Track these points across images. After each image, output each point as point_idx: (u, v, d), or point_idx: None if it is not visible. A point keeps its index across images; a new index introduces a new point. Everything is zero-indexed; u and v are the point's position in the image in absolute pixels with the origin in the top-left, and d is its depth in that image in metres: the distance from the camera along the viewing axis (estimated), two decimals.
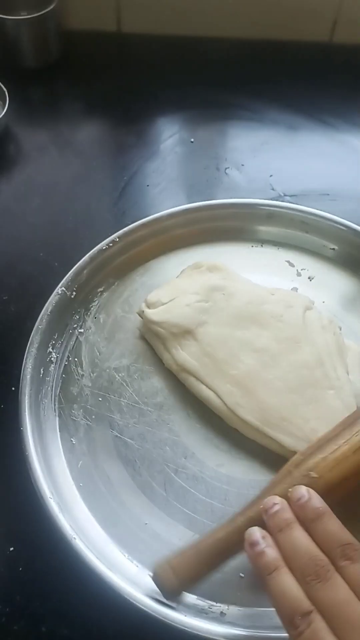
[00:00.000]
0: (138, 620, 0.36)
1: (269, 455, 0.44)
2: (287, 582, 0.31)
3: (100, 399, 0.46)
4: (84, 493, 0.42)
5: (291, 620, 0.30)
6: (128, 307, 0.51)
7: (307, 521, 0.34)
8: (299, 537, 0.33)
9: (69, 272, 0.51)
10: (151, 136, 0.68)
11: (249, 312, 0.47)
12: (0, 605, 0.39)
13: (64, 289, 0.50)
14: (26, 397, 0.44)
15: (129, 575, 0.38)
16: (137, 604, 0.36)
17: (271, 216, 0.56)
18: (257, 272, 0.53)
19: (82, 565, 0.37)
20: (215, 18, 0.77)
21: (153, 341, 0.48)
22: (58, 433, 0.45)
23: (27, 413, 0.43)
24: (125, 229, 0.54)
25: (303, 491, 0.35)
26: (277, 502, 0.35)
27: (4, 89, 0.66)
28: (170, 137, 0.68)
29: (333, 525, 0.33)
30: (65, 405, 0.46)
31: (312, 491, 0.35)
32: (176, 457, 0.43)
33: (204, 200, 0.57)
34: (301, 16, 0.76)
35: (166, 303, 0.48)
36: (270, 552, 0.33)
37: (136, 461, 0.43)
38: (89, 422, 0.45)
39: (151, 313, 0.47)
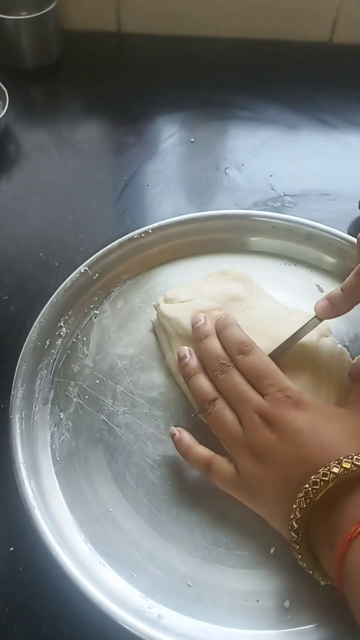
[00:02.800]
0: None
1: None
2: (200, 381, 0.42)
3: (97, 382, 0.46)
4: (59, 467, 0.42)
5: (203, 406, 0.41)
6: (148, 299, 0.51)
7: (218, 332, 0.44)
8: (212, 343, 0.43)
9: (96, 254, 0.51)
10: (151, 136, 0.68)
11: (262, 327, 0.46)
12: (0, 605, 0.39)
13: (87, 269, 0.50)
14: (25, 362, 0.45)
15: (79, 557, 0.38)
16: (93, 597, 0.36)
17: (310, 237, 0.54)
18: (284, 291, 0.51)
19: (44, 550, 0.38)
20: (215, 18, 0.77)
21: (160, 336, 0.48)
22: (49, 405, 0.45)
23: (21, 378, 0.44)
24: (161, 222, 0.53)
25: (220, 313, 0.45)
26: (201, 318, 0.45)
27: (4, 89, 0.66)
28: (170, 137, 0.68)
29: (233, 330, 0.43)
30: (62, 380, 0.46)
31: (227, 314, 0.45)
32: (155, 454, 0.43)
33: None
34: (301, 16, 0.76)
35: (183, 302, 0.48)
36: (192, 362, 0.43)
37: (116, 449, 0.43)
38: (80, 401, 0.45)
39: (165, 307, 0.47)
